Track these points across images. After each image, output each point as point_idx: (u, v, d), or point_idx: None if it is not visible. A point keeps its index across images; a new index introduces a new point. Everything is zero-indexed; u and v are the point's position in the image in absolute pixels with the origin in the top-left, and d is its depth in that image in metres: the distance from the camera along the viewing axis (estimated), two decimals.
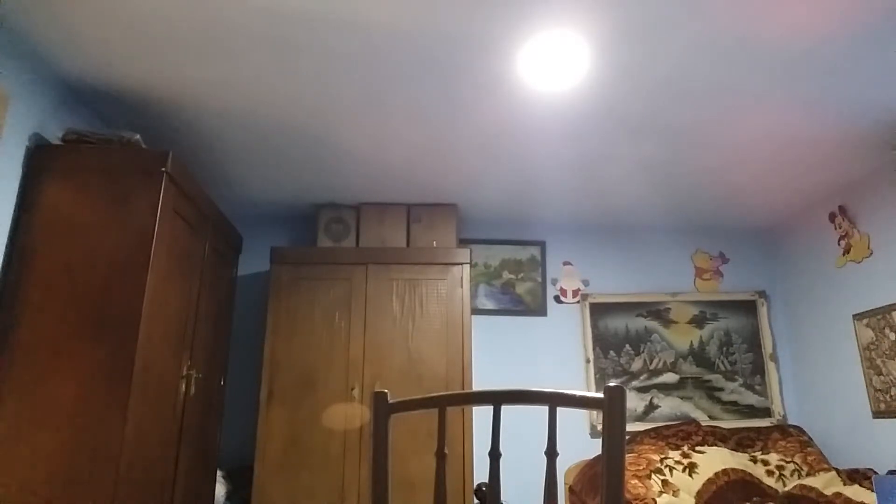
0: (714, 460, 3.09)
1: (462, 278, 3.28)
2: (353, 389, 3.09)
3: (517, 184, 3.38)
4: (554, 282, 3.92)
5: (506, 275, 3.90)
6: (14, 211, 2.10)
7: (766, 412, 3.73)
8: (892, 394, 3.03)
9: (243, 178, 3.31)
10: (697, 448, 3.21)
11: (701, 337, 3.86)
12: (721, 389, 3.76)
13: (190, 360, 2.57)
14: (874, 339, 3.14)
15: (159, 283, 2.20)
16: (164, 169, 2.21)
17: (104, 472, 1.89)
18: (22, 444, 1.89)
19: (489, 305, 3.83)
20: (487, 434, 3.39)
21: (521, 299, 3.87)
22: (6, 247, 2.06)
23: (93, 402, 1.94)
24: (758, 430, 3.48)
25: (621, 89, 2.42)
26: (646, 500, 2.76)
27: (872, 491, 2.48)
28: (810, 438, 3.42)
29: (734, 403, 3.74)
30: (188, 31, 2.04)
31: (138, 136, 2.32)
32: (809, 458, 3.22)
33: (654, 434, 3.35)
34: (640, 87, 2.41)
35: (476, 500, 3.04)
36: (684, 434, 3.34)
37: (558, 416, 0.99)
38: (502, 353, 3.76)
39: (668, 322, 3.87)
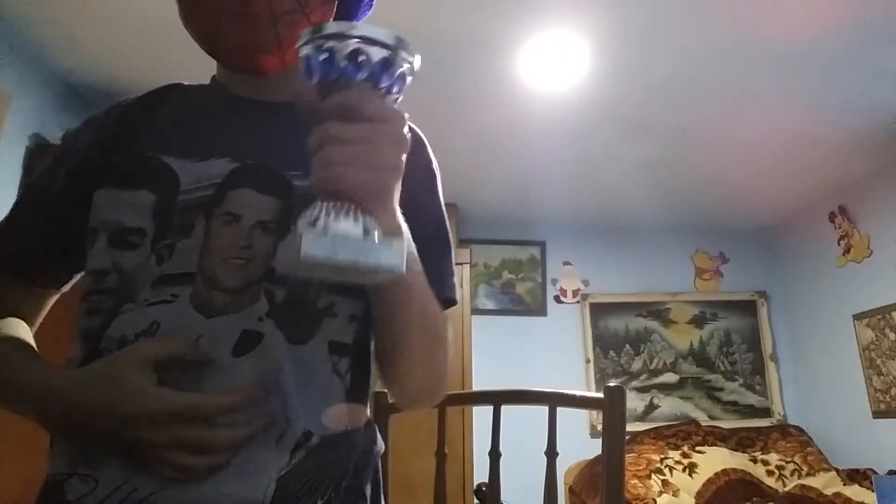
0: (714, 460, 3.09)
1: (462, 278, 3.27)
2: None
3: (517, 184, 3.38)
4: (554, 282, 3.92)
5: (506, 275, 3.89)
6: None
7: (766, 412, 3.73)
8: (892, 394, 3.02)
9: None
10: (697, 448, 3.20)
11: (701, 337, 3.86)
12: (721, 389, 3.76)
13: None
14: (874, 339, 3.14)
15: None
16: None
17: None
18: (23, 445, 1.89)
19: (489, 305, 3.83)
20: (487, 434, 3.37)
21: (521, 299, 3.86)
22: None
23: None
24: (758, 430, 3.48)
25: (621, 89, 2.42)
26: (646, 500, 2.76)
27: (872, 491, 2.48)
28: (810, 438, 3.42)
29: (734, 403, 3.74)
30: None
31: None
32: (809, 458, 3.21)
33: (654, 434, 3.35)
34: (640, 87, 2.41)
35: (476, 500, 3.04)
36: (684, 434, 3.33)
37: (558, 416, 0.99)
38: (502, 353, 3.75)
39: (668, 322, 3.87)
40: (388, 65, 0.47)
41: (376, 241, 0.45)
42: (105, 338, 0.59)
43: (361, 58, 0.46)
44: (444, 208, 0.75)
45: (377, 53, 0.46)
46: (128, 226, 0.62)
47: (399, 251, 0.45)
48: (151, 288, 0.59)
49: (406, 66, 0.49)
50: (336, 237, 0.43)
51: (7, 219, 0.72)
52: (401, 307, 0.60)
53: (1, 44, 2.02)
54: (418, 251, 0.59)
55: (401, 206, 0.53)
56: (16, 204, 0.73)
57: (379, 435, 0.70)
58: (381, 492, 0.68)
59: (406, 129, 0.49)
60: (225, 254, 0.60)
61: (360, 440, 0.65)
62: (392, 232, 0.50)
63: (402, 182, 0.55)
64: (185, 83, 0.77)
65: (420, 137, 0.76)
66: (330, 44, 0.46)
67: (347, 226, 0.44)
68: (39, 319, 0.76)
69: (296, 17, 0.63)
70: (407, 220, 0.56)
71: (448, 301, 0.70)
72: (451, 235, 0.75)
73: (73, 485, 0.55)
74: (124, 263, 0.61)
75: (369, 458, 0.67)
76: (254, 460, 0.56)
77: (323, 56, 0.46)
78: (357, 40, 0.46)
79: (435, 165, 0.76)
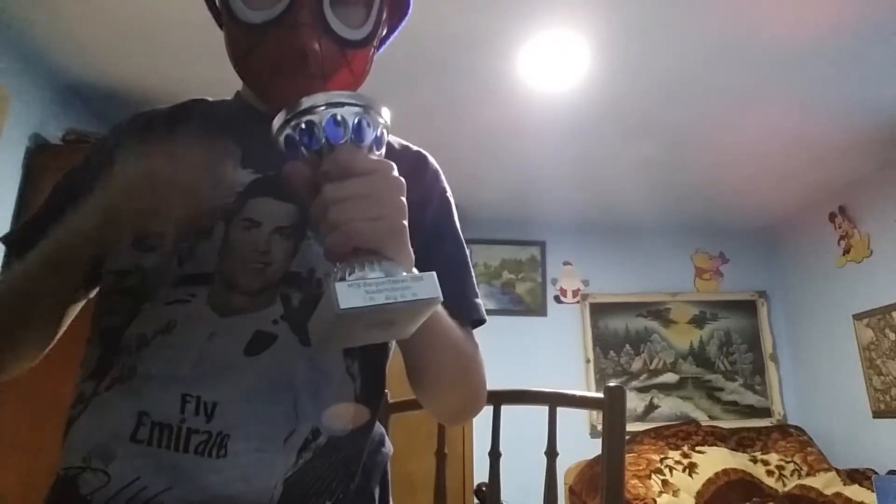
0: (714, 460, 3.09)
1: None
2: None
3: (517, 184, 3.38)
4: (554, 282, 3.92)
5: (506, 275, 3.89)
6: (14, 211, 2.09)
7: (766, 412, 3.73)
8: (892, 394, 3.02)
9: None
10: (697, 448, 3.20)
11: (701, 337, 3.86)
12: (721, 389, 3.76)
13: None
14: (874, 339, 3.14)
15: None
16: None
17: None
18: (22, 444, 1.89)
19: (489, 305, 3.83)
20: (487, 434, 3.37)
21: (521, 299, 3.86)
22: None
23: None
24: (758, 430, 3.48)
25: (621, 89, 2.42)
26: (646, 500, 2.76)
27: (872, 491, 2.48)
28: (810, 438, 3.42)
29: (734, 403, 3.74)
30: (188, 30, 2.04)
31: None
32: (809, 458, 3.21)
33: (654, 434, 3.35)
34: (640, 87, 2.41)
35: (476, 500, 3.04)
36: (684, 434, 3.33)
37: (558, 416, 0.99)
38: (502, 353, 3.74)
39: (668, 322, 3.87)
40: (365, 122, 0.49)
41: (408, 278, 0.45)
42: (126, 335, 0.60)
43: (339, 120, 0.47)
44: (461, 234, 0.77)
45: (352, 113, 0.48)
46: (151, 230, 0.63)
47: (432, 281, 0.46)
48: (171, 287, 0.61)
49: (381, 121, 0.50)
50: (369, 283, 0.44)
51: (30, 221, 0.74)
52: (430, 343, 0.59)
53: (1, 44, 2.02)
54: (442, 276, 0.59)
55: (422, 232, 0.52)
56: (41, 207, 0.74)
57: (387, 437, 0.71)
58: (389, 493, 0.69)
59: (397, 173, 0.50)
60: (245, 258, 0.62)
61: (369, 442, 0.66)
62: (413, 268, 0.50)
63: (422, 210, 0.58)
64: (210, 99, 0.78)
65: (436, 168, 0.79)
66: (307, 118, 0.48)
67: (375, 273, 0.45)
68: (63, 328, 0.77)
69: (342, 72, 0.66)
70: (429, 246, 0.56)
71: (478, 322, 0.72)
72: (469, 259, 0.77)
73: (86, 479, 0.56)
74: (145, 264, 0.63)
75: (378, 460, 0.68)
76: (260, 460, 0.56)
77: (303, 132, 0.48)
78: (328, 107, 0.48)
79: (450, 194, 0.78)
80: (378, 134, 0.50)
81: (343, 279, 0.44)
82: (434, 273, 0.46)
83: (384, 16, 0.70)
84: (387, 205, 0.47)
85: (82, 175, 0.72)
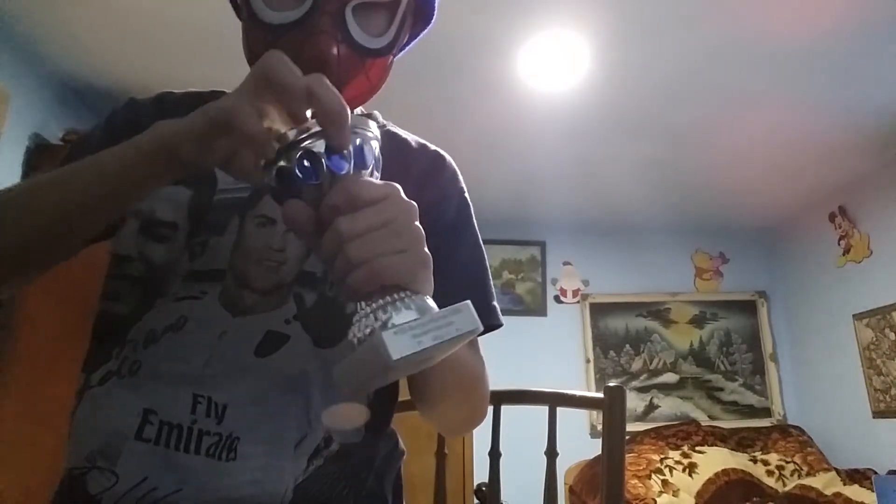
0: (714, 460, 3.09)
1: None
2: None
3: (517, 183, 3.38)
4: (554, 282, 3.92)
5: (506, 275, 3.89)
6: None
7: (766, 412, 3.73)
8: (892, 394, 3.02)
9: None
10: (697, 448, 3.20)
11: (701, 337, 3.86)
12: (721, 389, 3.76)
13: None
14: (874, 339, 3.14)
15: None
16: None
17: None
18: (22, 444, 1.89)
19: None
20: (487, 434, 3.36)
21: (521, 299, 3.86)
22: None
23: None
24: (758, 430, 3.48)
25: (621, 89, 2.42)
26: (646, 500, 2.76)
27: (872, 491, 2.48)
28: (810, 438, 3.42)
29: (734, 403, 3.74)
30: (188, 31, 2.04)
31: None
32: (809, 458, 3.21)
33: (654, 434, 3.35)
34: (640, 87, 2.41)
35: (476, 500, 3.04)
36: (684, 434, 3.33)
37: (558, 416, 0.99)
38: (502, 353, 3.74)
39: (668, 322, 3.87)
40: (365, 145, 0.45)
41: (447, 313, 0.41)
42: (133, 329, 0.59)
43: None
44: (479, 235, 0.74)
45: (352, 138, 0.44)
46: (161, 219, 0.62)
47: (469, 311, 0.42)
48: (182, 283, 0.60)
49: (374, 139, 0.47)
50: (413, 326, 0.40)
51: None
52: (439, 366, 0.55)
53: (1, 44, 2.02)
54: (460, 279, 0.56)
55: (440, 233, 0.48)
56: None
57: (400, 440, 0.70)
58: (402, 496, 0.69)
59: (404, 195, 0.46)
60: (259, 255, 0.61)
61: (382, 447, 0.65)
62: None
63: (441, 210, 0.56)
64: (229, 91, 0.76)
65: (454, 169, 0.76)
66: (305, 148, 0.43)
67: (410, 312, 0.41)
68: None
69: (359, 80, 0.63)
70: (447, 248, 0.53)
71: (493, 327, 0.69)
72: (487, 260, 0.74)
73: (94, 477, 0.55)
74: (153, 255, 0.61)
75: (391, 464, 0.67)
76: (270, 465, 0.55)
77: (303, 164, 0.43)
78: (319, 136, 0.43)
79: (467, 194, 0.75)
80: (377, 155, 0.46)
81: (384, 325, 0.40)
82: (469, 302, 0.42)
83: (406, 24, 0.67)
84: (408, 234, 0.43)
85: (87, 149, 0.65)
